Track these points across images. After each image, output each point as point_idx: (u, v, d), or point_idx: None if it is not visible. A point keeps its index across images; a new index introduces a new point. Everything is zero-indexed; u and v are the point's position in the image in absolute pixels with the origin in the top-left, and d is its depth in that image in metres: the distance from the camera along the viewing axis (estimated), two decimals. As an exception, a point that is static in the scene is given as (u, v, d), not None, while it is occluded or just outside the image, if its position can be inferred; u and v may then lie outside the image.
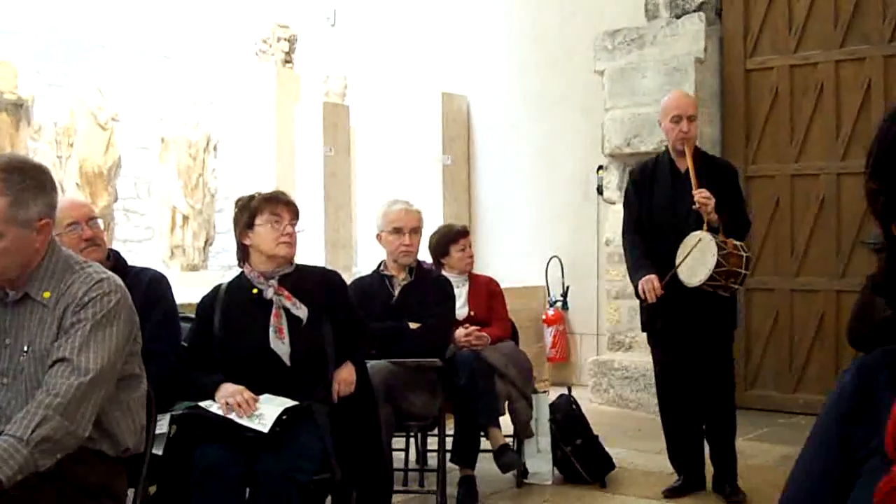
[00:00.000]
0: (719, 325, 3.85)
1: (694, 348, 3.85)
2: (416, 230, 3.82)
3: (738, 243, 3.67)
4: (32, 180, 2.11)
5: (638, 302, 3.98)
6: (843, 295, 5.40)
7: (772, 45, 5.83)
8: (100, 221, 3.04)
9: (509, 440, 3.99)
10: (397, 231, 3.77)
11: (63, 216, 2.82)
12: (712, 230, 3.66)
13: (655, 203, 3.85)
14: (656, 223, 3.84)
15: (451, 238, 4.30)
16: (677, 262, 3.67)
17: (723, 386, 3.92)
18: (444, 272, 4.16)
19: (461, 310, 4.13)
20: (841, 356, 5.38)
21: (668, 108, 3.85)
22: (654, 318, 3.90)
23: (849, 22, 5.54)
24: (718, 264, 3.57)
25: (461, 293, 4.18)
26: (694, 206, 3.66)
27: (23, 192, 2.06)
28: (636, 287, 3.85)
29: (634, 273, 3.87)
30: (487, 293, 4.30)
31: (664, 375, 3.97)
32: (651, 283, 3.75)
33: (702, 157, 3.91)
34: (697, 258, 3.64)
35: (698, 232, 3.66)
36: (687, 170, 3.76)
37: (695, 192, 3.66)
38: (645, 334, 4.09)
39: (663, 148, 4.13)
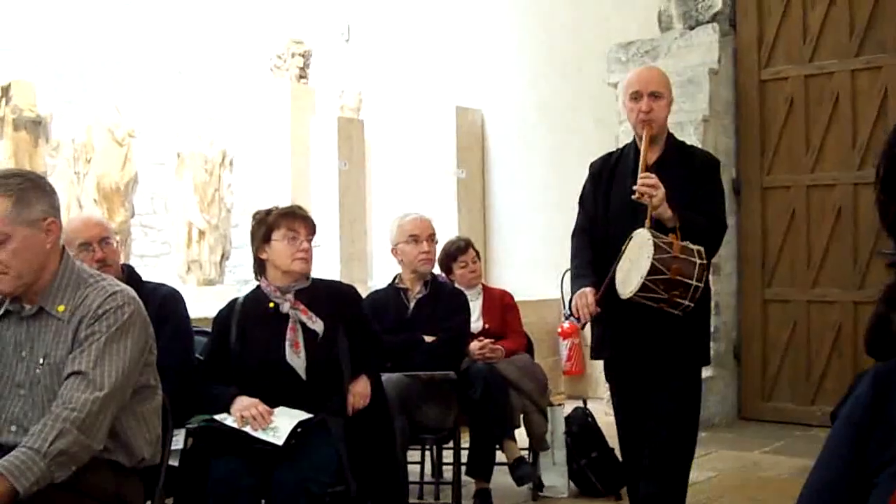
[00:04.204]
0: (681, 359, 2.99)
1: (650, 388, 2.99)
2: (432, 237, 3.84)
3: (692, 247, 2.82)
4: (30, 182, 2.15)
5: None
6: (861, 306, 5.35)
7: (786, 55, 5.80)
8: (112, 241, 3.02)
9: (525, 453, 3.98)
10: (415, 239, 3.78)
11: (74, 236, 2.84)
12: (661, 229, 2.86)
13: (614, 201, 3.08)
14: (613, 225, 3.05)
15: (452, 255, 4.31)
16: (613, 267, 2.92)
17: (674, 447, 2.96)
18: (456, 285, 4.17)
19: (475, 323, 4.14)
20: (859, 367, 5.31)
21: (627, 83, 3.06)
22: (602, 346, 3.13)
23: (864, 30, 5.51)
24: (654, 270, 2.74)
25: (475, 306, 4.19)
26: (633, 196, 2.86)
27: (24, 192, 2.10)
28: (569, 304, 3.07)
29: (572, 285, 3.11)
30: (501, 306, 4.30)
31: (625, 429, 3.09)
32: (585, 297, 2.97)
33: (675, 145, 3.11)
34: (634, 262, 2.85)
35: (640, 230, 2.86)
36: (654, 162, 2.96)
37: (639, 177, 2.87)
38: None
39: None
